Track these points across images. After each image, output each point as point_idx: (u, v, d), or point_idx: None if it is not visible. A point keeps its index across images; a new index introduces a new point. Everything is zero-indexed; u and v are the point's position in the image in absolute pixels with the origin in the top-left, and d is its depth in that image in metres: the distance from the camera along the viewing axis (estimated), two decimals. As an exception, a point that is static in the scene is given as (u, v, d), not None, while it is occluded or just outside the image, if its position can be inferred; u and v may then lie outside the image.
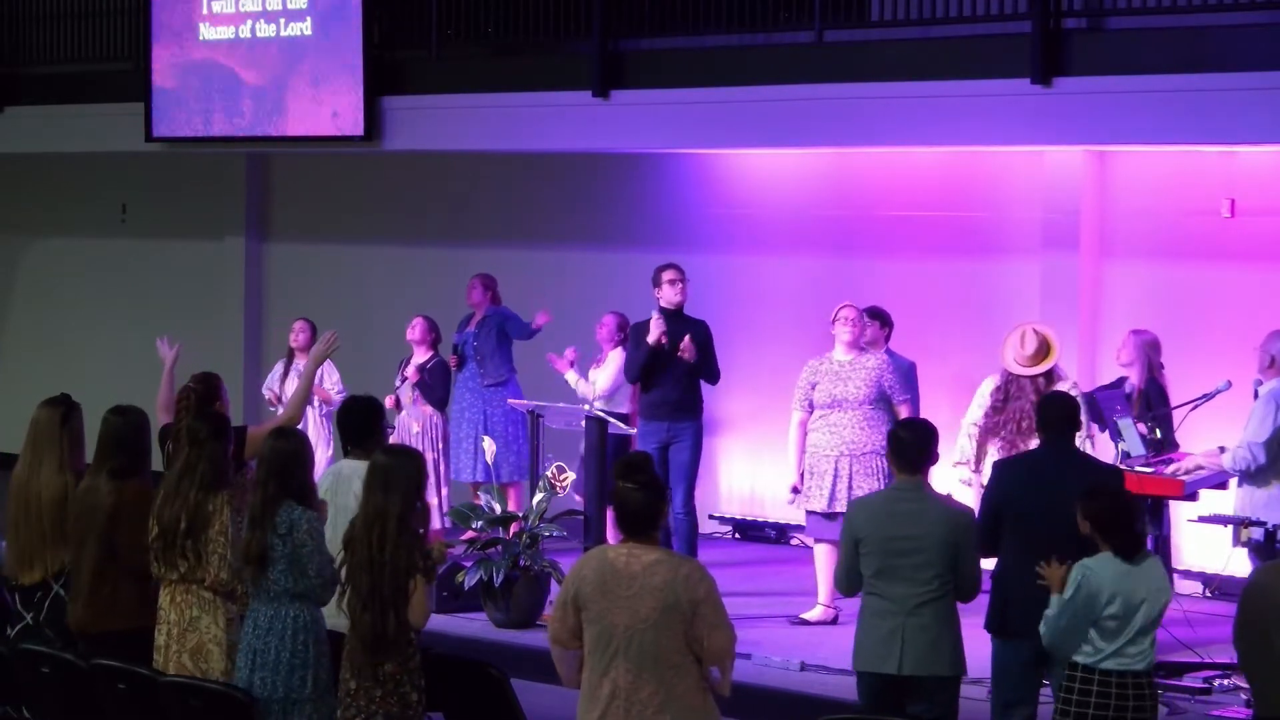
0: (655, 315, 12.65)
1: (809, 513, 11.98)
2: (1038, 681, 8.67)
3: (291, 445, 8.19)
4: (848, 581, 8.40)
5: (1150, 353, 11.91)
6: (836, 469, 11.74)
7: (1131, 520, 7.82)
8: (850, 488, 11.65)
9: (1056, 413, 8.77)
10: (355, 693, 7.80)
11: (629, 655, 6.91)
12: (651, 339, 12.58)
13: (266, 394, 14.92)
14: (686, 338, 12.53)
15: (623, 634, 6.91)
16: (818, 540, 12.01)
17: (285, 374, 14.94)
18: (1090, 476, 8.46)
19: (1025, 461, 8.96)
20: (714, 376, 12.96)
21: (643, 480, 7.04)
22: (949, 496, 8.85)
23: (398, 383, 14.22)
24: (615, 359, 13.56)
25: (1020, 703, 8.65)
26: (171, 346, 10.78)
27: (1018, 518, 8.53)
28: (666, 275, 12.93)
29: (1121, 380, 12.07)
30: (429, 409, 14.16)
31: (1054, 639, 7.88)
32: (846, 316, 11.94)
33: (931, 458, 8.33)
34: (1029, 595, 8.17)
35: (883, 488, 10.90)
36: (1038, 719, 8.72)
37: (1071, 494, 8.05)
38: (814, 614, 11.98)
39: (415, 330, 14.39)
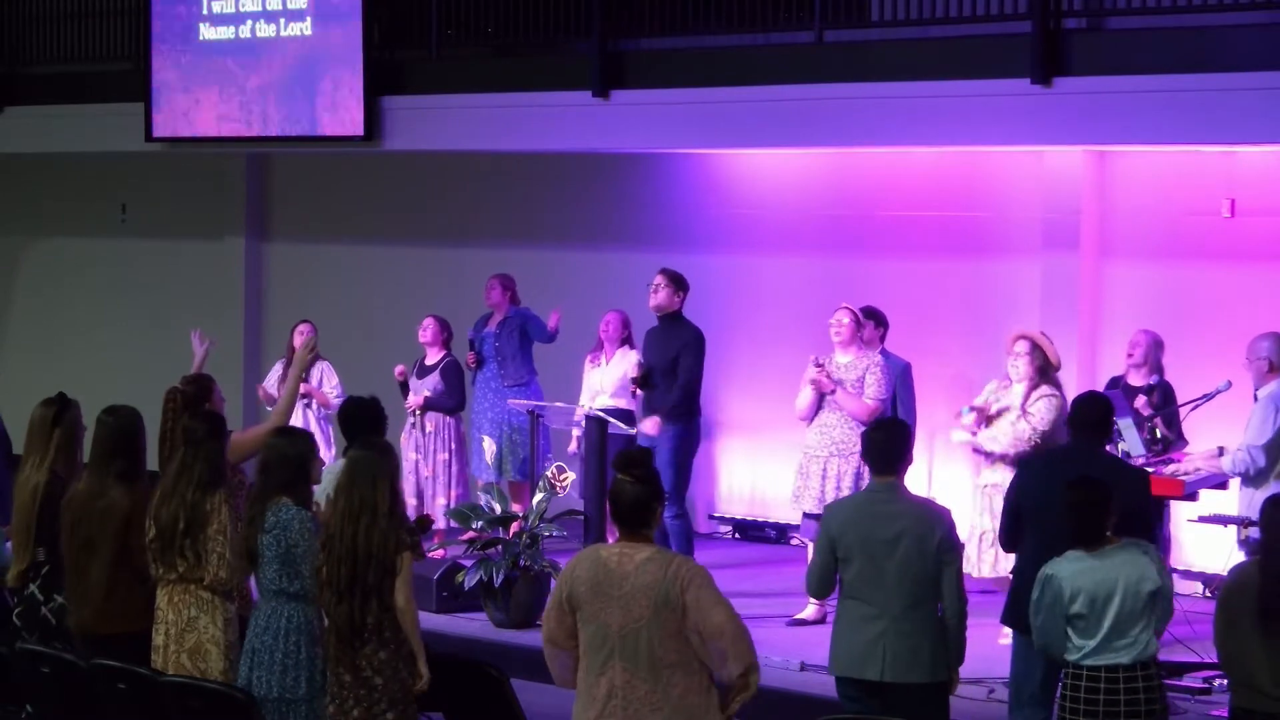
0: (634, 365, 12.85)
1: (805, 515, 12.00)
2: (1054, 680, 8.64)
3: (285, 444, 8.20)
4: (819, 583, 8.35)
5: (1158, 352, 11.96)
6: (824, 469, 11.75)
7: (1090, 512, 7.82)
8: (838, 489, 11.68)
9: (1090, 413, 8.75)
10: (351, 684, 7.79)
11: (624, 655, 6.85)
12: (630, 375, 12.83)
13: (260, 393, 14.95)
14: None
15: (617, 634, 6.86)
16: (812, 541, 11.99)
17: (283, 375, 14.97)
18: (1114, 477, 8.43)
19: (1051, 459, 8.91)
20: (685, 386, 12.69)
21: (637, 474, 7.00)
22: (927, 499, 8.83)
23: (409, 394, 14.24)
24: (620, 360, 13.52)
25: (1034, 700, 8.64)
26: (203, 342, 10.79)
27: (1040, 514, 8.51)
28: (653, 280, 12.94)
29: (1118, 380, 12.07)
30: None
31: (1038, 639, 7.96)
32: (838, 320, 11.97)
33: (906, 458, 8.25)
34: None
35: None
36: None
37: None
38: (807, 613, 12.03)
39: (427, 332, 14.39)
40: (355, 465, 7.86)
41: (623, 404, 13.35)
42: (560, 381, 14.38)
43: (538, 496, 12.27)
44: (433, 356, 14.35)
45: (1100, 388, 12.35)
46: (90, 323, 19.41)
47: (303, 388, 14.65)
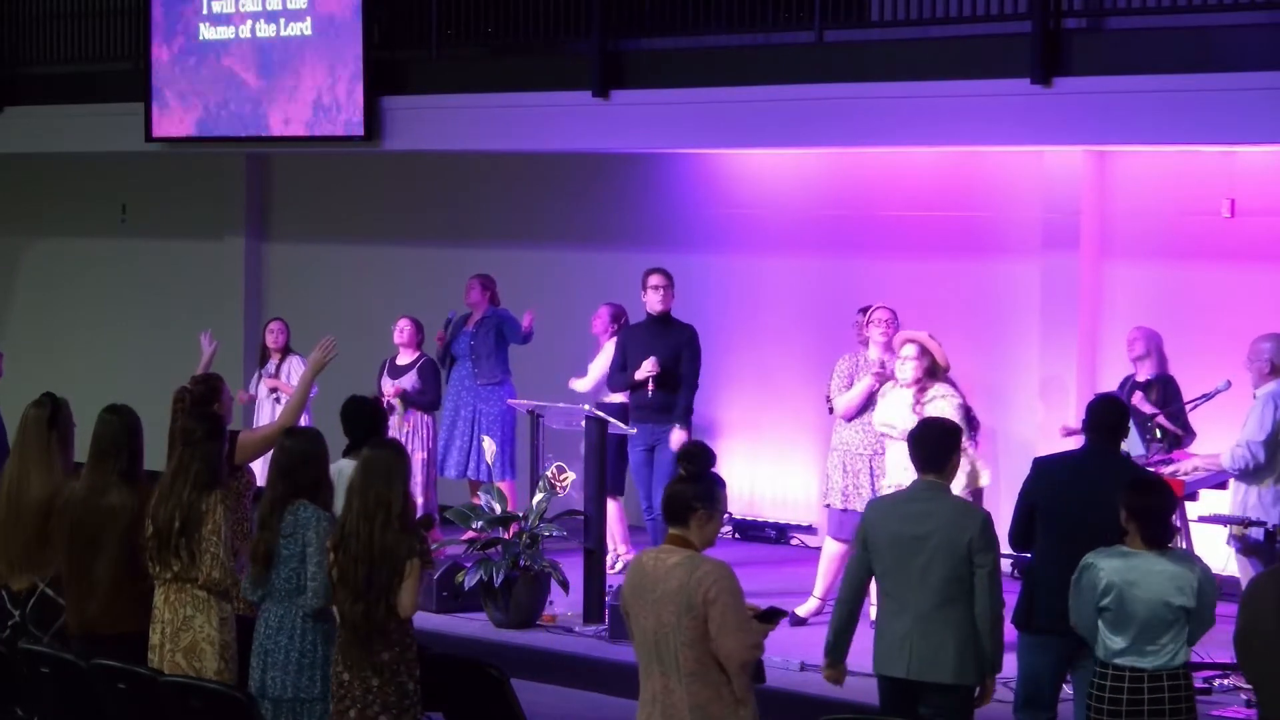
0: (651, 362, 12.71)
1: (830, 510, 11.94)
2: (1059, 682, 8.62)
3: (300, 445, 8.19)
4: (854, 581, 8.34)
5: (1160, 346, 11.97)
6: (871, 467, 11.70)
7: (1156, 511, 7.80)
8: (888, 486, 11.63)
9: (1105, 416, 8.73)
10: (349, 684, 7.78)
11: (660, 659, 6.84)
12: (640, 375, 12.73)
13: (241, 396, 15.00)
14: (647, 363, 12.68)
15: (653, 638, 6.84)
16: (835, 538, 11.91)
17: (259, 376, 14.99)
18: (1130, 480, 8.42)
19: (1067, 461, 8.91)
20: (692, 386, 12.89)
21: (688, 470, 6.99)
22: (967, 500, 8.75)
23: (384, 388, 14.24)
24: (610, 349, 13.55)
25: (1039, 701, 8.60)
26: (211, 343, 10.87)
27: (1054, 515, 8.50)
28: (651, 281, 12.98)
29: (1126, 380, 12.07)
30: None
31: (1073, 617, 7.93)
32: (880, 318, 11.94)
33: (953, 458, 8.16)
34: (1057, 592, 8.14)
35: None
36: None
37: (1110, 496, 7.96)
38: (806, 608, 12.02)
39: (403, 334, 14.42)
40: (369, 465, 7.82)
41: (604, 397, 13.39)
42: (544, 380, 14.35)
43: (538, 496, 12.27)
44: (407, 356, 14.39)
45: (1104, 388, 12.37)
46: (90, 323, 19.40)
47: (272, 383, 14.78)
